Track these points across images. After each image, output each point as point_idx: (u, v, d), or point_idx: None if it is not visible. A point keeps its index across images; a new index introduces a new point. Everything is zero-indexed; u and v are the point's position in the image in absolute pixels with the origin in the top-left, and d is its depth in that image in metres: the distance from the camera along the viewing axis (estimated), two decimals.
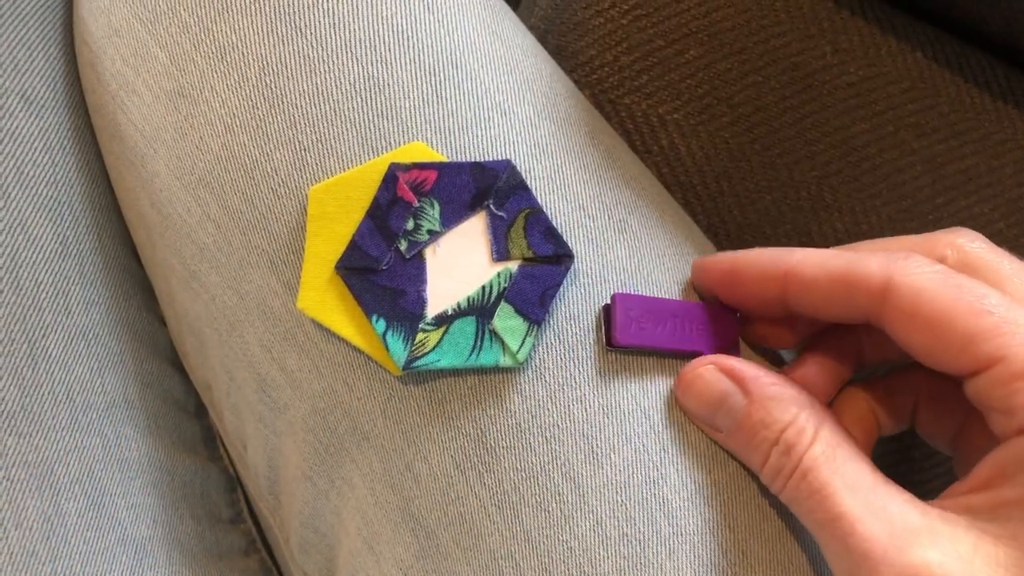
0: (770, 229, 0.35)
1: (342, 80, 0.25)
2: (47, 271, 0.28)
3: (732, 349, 0.26)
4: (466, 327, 0.24)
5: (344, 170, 0.25)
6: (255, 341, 0.26)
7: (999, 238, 0.37)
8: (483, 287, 0.24)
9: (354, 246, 0.24)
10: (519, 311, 0.24)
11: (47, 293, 0.27)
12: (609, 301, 0.25)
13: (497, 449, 0.24)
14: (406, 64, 0.25)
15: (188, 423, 0.32)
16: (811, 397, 0.24)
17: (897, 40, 0.37)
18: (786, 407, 0.23)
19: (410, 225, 0.24)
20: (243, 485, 0.33)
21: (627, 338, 0.24)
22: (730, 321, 0.26)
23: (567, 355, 0.25)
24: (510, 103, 0.26)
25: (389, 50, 0.25)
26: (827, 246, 0.34)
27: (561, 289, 0.25)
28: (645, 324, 0.25)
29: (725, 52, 0.35)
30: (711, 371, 0.24)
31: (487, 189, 0.25)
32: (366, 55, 0.25)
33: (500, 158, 0.25)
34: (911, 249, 0.24)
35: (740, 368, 0.24)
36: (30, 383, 0.27)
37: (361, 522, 0.26)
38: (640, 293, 0.26)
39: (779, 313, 0.24)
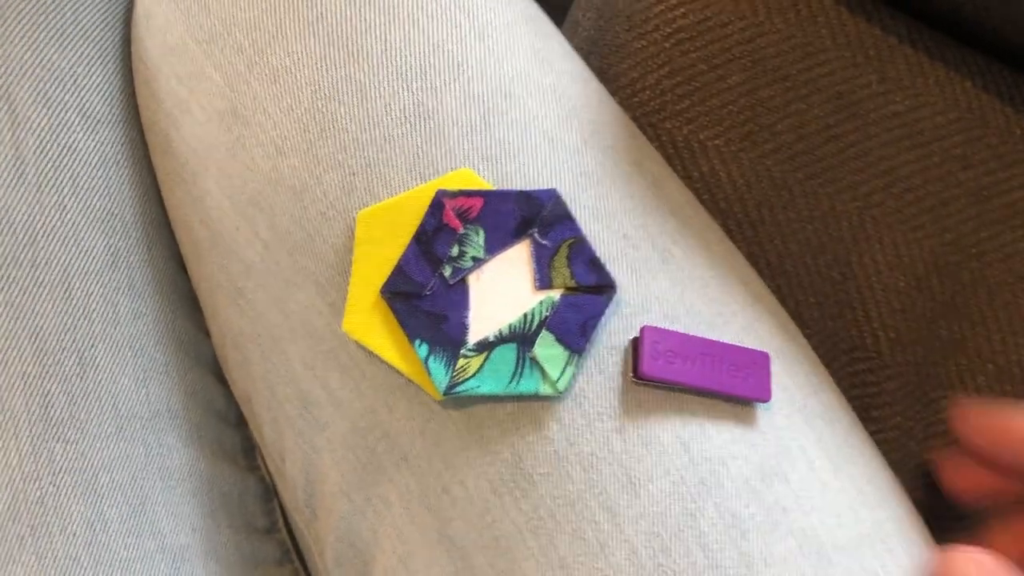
0: (811, 259, 0.34)
1: (392, 106, 0.25)
2: (97, 282, 0.28)
3: (762, 393, 0.26)
4: (507, 354, 0.24)
5: (392, 195, 0.25)
6: (298, 359, 0.26)
7: None
8: (525, 315, 0.24)
9: (399, 271, 0.24)
10: (560, 340, 0.24)
11: (97, 303, 0.28)
12: (638, 334, 0.25)
13: (534, 475, 0.24)
14: (456, 92, 0.25)
15: (229, 433, 0.33)
16: None
17: (946, 69, 0.37)
18: None
19: (455, 251, 0.25)
20: (279, 495, 0.33)
21: (654, 371, 0.24)
22: (762, 365, 0.26)
23: (607, 385, 0.25)
24: (557, 131, 0.26)
25: (440, 77, 0.26)
26: (867, 279, 0.34)
27: (603, 319, 0.25)
28: (674, 360, 0.25)
29: (769, 79, 0.35)
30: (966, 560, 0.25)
31: (532, 218, 0.25)
32: (417, 82, 0.25)
33: (546, 187, 0.26)
34: None
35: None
36: (78, 392, 0.27)
37: (397, 540, 0.26)
38: (677, 327, 0.26)
39: None
